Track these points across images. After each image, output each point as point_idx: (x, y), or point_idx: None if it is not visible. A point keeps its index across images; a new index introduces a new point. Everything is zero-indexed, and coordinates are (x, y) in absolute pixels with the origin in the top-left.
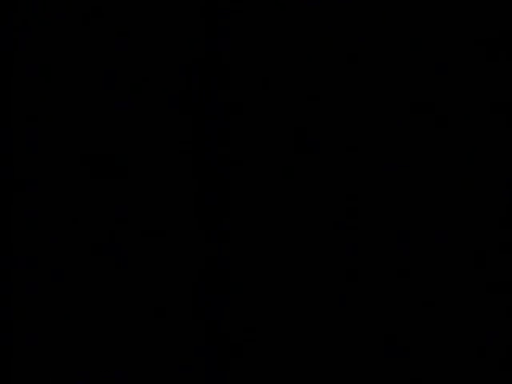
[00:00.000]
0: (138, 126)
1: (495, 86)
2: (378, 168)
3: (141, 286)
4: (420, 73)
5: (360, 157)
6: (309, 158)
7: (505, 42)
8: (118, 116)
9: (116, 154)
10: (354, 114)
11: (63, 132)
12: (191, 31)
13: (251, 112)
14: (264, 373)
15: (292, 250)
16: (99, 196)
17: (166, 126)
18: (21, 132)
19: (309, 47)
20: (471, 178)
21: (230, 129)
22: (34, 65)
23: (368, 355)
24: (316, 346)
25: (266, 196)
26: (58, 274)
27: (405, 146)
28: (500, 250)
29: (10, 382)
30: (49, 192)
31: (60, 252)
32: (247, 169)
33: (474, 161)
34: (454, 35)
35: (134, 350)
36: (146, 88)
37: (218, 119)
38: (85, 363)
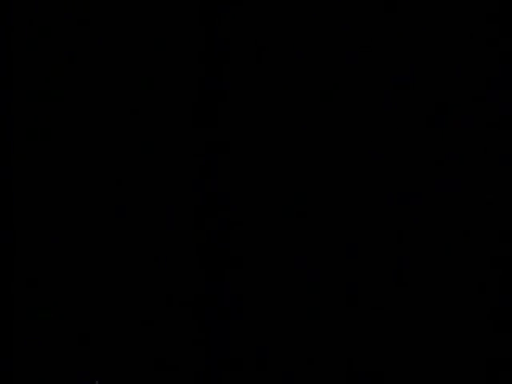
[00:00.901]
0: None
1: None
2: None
3: (140, 283)
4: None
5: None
6: (304, 158)
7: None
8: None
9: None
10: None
11: (66, 137)
12: (191, 31)
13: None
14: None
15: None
16: (100, 197)
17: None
18: (22, 133)
19: (308, 45)
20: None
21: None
22: (33, 77)
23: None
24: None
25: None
26: (57, 271)
27: (396, 146)
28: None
29: (10, 382)
30: (51, 193)
31: (60, 251)
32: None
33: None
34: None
35: (134, 349)
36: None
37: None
38: (83, 360)
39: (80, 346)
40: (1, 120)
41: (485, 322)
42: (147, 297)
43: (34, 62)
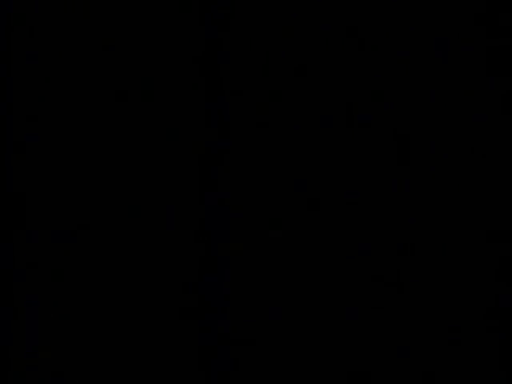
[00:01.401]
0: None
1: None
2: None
3: (138, 284)
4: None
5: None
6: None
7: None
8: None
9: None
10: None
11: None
12: (191, 30)
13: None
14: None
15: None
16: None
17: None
18: (22, 133)
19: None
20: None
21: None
22: (34, 73)
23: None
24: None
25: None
26: (57, 274)
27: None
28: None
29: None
30: (52, 194)
31: (59, 253)
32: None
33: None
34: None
35: (134, 350)
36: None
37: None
38: (83, 362)
39: (77, 344)
40: (1, 120)
41: (481, 322)
42: (147, 300)
43: (34, 62)
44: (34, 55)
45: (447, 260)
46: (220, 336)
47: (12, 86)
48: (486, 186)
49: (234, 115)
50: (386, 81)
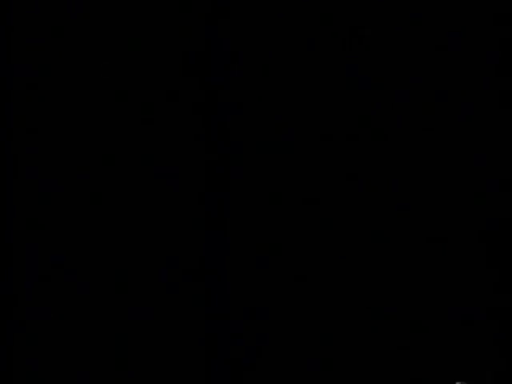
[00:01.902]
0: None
1: None
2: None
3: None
4: None
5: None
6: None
7: None
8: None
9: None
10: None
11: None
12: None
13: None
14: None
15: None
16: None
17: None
18: (21, 134)
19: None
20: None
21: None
22: (32, 66)
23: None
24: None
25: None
26: (57, 273)
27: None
28: None
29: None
30: (51, 193)
31: (59, 250)
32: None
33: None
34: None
35: (134, 350)
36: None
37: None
38: (84, 361)
39: (79, 338)
40: (1, 119)
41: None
42: (149, 295)
43: (35, 62)
44: (34, 49)
45: (442, 259)
46: (222, 328)
47: (12, 88)
48: (482, 186)
49: (234, 120)
50: (383, 87)
